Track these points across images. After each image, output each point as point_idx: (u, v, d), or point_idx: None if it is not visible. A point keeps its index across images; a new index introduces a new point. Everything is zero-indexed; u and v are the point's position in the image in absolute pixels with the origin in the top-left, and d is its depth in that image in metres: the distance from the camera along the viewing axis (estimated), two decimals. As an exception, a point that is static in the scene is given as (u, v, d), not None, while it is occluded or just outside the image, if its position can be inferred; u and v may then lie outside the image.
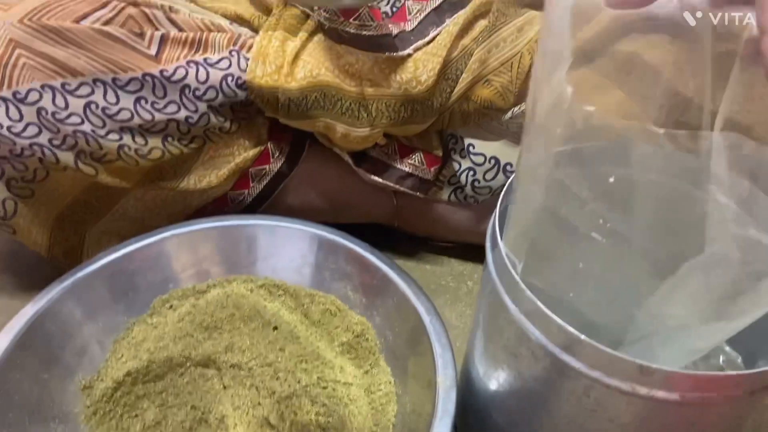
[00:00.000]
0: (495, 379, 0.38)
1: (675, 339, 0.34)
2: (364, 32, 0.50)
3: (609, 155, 0.34)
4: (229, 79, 0.51)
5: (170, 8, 0.53)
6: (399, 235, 0.64)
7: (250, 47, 0.52)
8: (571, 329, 0.30)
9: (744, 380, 0.29)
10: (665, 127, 0.38)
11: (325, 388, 0.44)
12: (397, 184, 0.57)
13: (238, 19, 0.56)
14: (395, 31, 0.52)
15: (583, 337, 0.30)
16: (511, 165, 0.57)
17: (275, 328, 0.48)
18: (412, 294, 0.47)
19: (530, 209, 0.32)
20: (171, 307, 0.51)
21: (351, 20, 0.50)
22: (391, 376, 0.47)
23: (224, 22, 0.55)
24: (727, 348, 0.43)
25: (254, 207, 0.58)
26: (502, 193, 0.36)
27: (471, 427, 0.44)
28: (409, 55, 0.52)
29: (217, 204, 0.56)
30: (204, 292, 0.51)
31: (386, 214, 0.61)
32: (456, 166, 0.57)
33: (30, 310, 0.45)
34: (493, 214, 0.36)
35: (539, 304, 0.31)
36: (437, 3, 0.54)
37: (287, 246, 0.53)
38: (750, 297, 0.30)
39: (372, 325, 0.50)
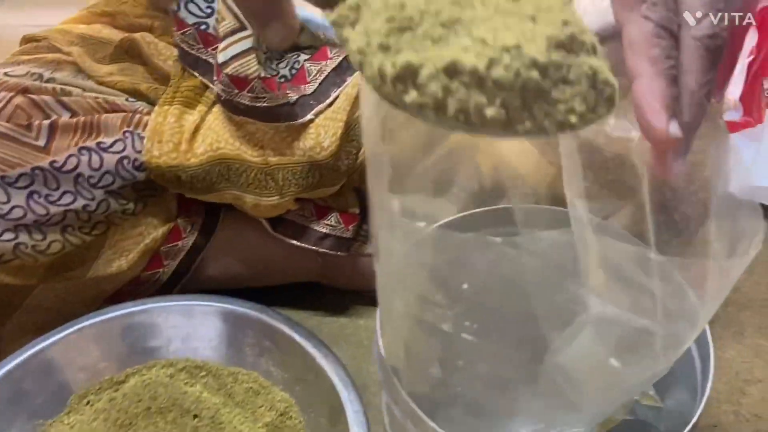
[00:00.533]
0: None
1: (578, 413, 0.33)
2: (259, 104, 0.49)
3: (457, 263, 0.34)
4: (125, 162, 0.49)
5: (62, 90, 0.51)
6: (329, 288, 0.62)
7: (146, 125, 0.50)
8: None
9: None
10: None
11: (244, 481, 0.43)
12: (317, 246, 0.56)
13: (135, 93, 0.54)
14: (295, 97, 0.50)
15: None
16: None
17: (195, 416, 0.47)
18: (328, 366, 0.46)
19: (395, 317, 0.31)
20: (88, 403, 0.49)
21: (245, 92, 0.49)
22: (313, 459, 0.46)
23: (120, 99, 0.53)
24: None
25: (173, 283, 0.56)
26: None
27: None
28: (311, 121, 0.50)
29: (132, 286, 0.55)
30: (122, 383, 0.50)
31: (312, 272, 0.60)
32: (375, 221, 0.56)
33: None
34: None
35: (422, 414, 0.30)
36: (337, 62, 0.53)
37: (204, 325, 0.51)
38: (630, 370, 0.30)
39: (295, 402, 0.49)
